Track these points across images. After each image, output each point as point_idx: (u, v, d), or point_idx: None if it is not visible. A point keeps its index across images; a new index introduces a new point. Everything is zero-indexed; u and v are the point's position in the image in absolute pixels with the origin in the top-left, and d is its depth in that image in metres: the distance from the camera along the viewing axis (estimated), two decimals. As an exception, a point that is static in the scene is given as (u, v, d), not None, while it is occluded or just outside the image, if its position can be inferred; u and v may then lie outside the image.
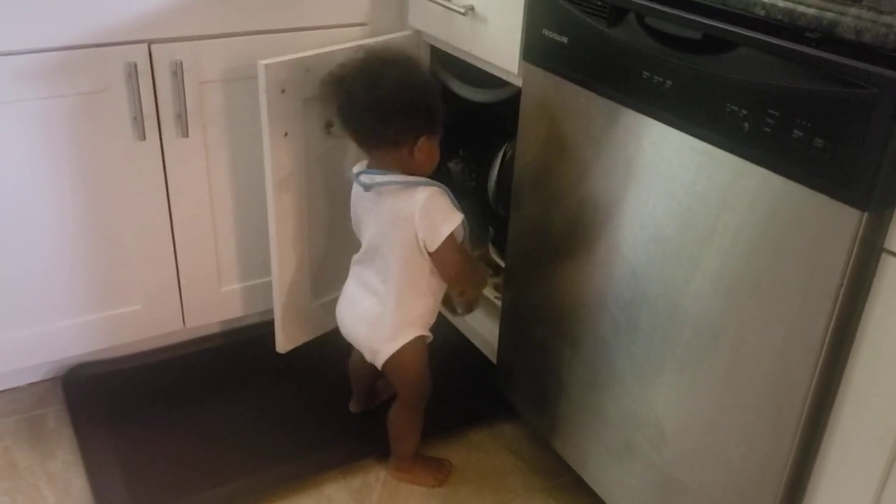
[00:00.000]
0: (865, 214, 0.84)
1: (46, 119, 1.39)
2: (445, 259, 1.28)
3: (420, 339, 1.36)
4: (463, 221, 1.28)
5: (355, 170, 1.33)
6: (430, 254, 1.27)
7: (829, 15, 0.85)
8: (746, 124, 0.93)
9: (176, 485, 1.41)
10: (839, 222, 0.86)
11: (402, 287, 1.32)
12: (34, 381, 1.66)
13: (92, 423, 1.53)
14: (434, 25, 1.53)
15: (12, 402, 1.61)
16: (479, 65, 1.46)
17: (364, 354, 1.40)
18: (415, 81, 1.26)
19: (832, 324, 0.90)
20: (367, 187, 1.29)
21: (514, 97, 1.38)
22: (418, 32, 1.60)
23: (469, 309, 1.46)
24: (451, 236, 1.26)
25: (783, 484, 1.00)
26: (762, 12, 0.91)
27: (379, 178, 1.28)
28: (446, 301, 1.42)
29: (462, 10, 1.40)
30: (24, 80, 1.34)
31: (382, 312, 1.34)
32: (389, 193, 1.28)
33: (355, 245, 1.43)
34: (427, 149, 1.27)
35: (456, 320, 1.75)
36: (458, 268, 1.31)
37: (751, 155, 0.94)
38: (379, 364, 1.37)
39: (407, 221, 1.25)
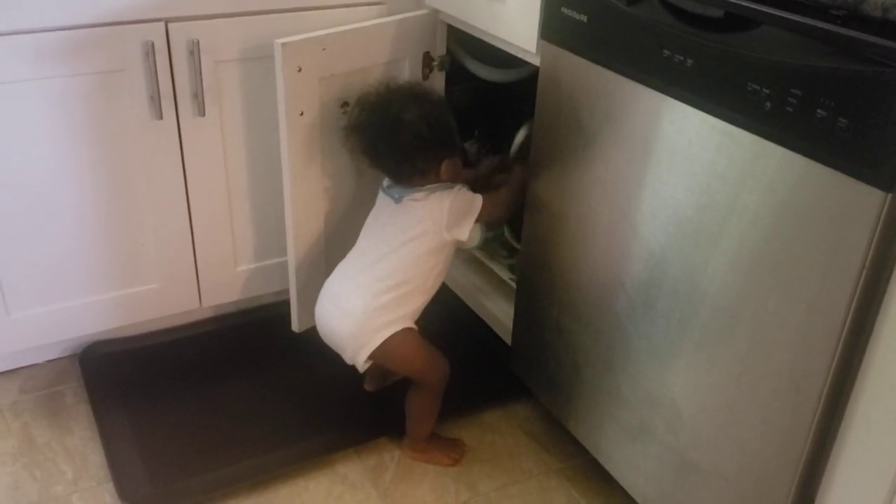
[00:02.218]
0: (889, 195, 0.83)
1: (65, 98, 1.39)
2: (488, 218, 1.45)
3: (405, 329, 1.37)
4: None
5: (385, 182, 1.43)
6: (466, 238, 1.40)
7: (855, -8, 0.84)
8: (768, 103, 0.92)
9: (191, 461, 1.42)
10: (862, 203, 0.85)
11: (410, 284, 1.36)
12: (52, 358, 1.68)
13: (109, 399, 1.55)
14: (451, 4, 1.52)
15: (31, 379, 1.63)
16: (497, 44, 1.45)
17: (344, 354, 1.40)
18: (431, 114, 1.36)
19: (853, 306, 0.89)
20: (398, 199, 1.38)
21: (531, 77, 1.37)
22: (435, 11, 1.58)
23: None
24: (482, 211, 1.40)
25: (800, 466, 0.99)
26: (786, -11, 0.90)
27: (410, 193, 1.37)
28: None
29: (480, -11, 1.39)
30: (43, 59, 1.34)
31: (375, 308, 1.34)
32: (418, 199, 1.37)
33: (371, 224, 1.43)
34: (452, 167, 1.38)
35: (469, 299, 1.75)
36: (503, 211, 1.47)
37: (772, 135, 0.93)
38: (361, 360, 1.37)
39: (436, 222, 1.35)
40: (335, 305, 1.40)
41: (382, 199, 1.43)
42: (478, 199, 1.39)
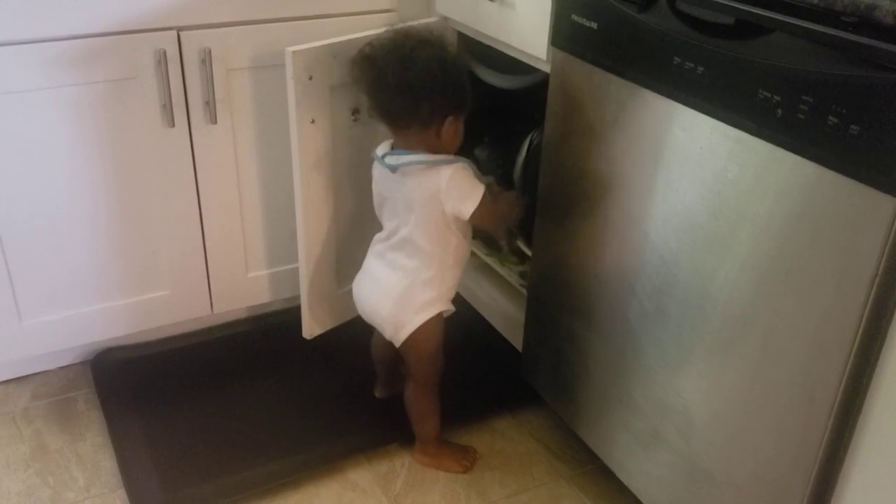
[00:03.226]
0: (901, 202, 0.83)
1: (79, 106, 1.40)
2: (483, 221, 1.34)
3: (441, 315, 1.37)
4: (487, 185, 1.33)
5: (379, 151, 1.35)
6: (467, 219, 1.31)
7: (867, -1, 0.83)
8: (780, 110, 0.92)
9: (203, 467, 1.43)
10: (874, 210, 0.85)
11: (434, 261, 1.34)
12: (64, 364, 1.69)
13: (121, 406, 1.55)
14: (461, 12, 1.53)
15: (43, 386, 1.64)
16: (507, 51, 1.45)
17: (384, 331, 1.40)
18: (446, 60, 1.27)
19: (866, 312, 0.88)
20: (393, 169, 1.30)
21: (541, 83, 1.37)
22: (445, 19, 1.59)
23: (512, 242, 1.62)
24: (483, 203, 1.29)
25: (814, 474, 0.99)
26: (797, -4, 0.90)
27: (405, 158, 1.30)
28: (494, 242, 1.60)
29: (490, -4, 1.40)
30: (57, 67, 1.35)
31: (410, 286, 1.35)
32: (415, 173, 1.30)
33: (381, 229, 1.43)
34: (454, 128, 1.30)
35: (480, 305, 1.75)
36: (494, 221, 1.42)
37: (784, 142, 0.92)
38: (400, 340, 1.37)
39: (433, 198, 1.29)
40: (375, 284, 1.40)
41: (379, 171, 1.36)
42: (479, 188, 1.29)
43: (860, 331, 0.90)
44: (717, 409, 1.11)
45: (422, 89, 1.24)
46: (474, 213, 1.28)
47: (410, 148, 1.30)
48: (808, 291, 0.94)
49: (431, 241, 1.33)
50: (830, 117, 0.86)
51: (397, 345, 1.39)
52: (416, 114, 1.27)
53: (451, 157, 1.30)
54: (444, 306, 1.38)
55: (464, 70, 1.31)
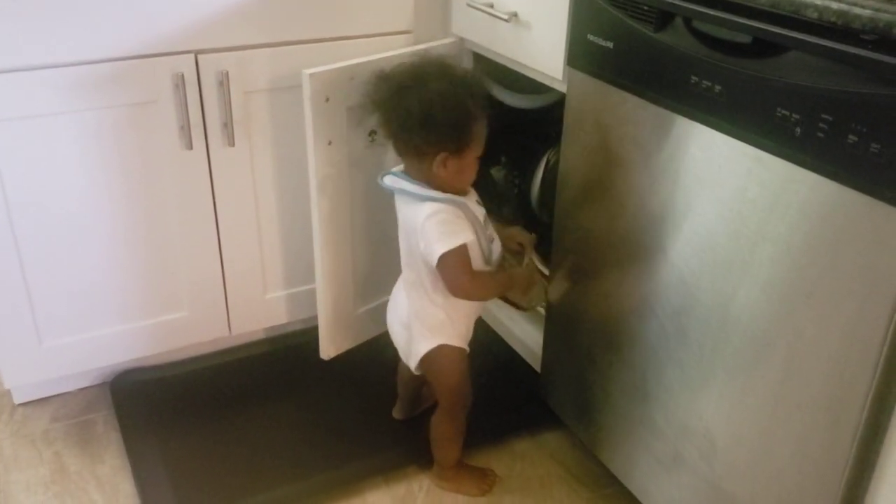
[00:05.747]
0: (925, 221, 0.81)
1: (98, 129, 1.41)
2: (445, 275, 1.26)
3: (450, 347, 1.35)
4: (480, 241, 1.28)
5: (393, 169, 1.33)
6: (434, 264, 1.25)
7: (885, 16, 0.82)
8: (798, 129, 0.91)
9: (221, 490, 1.42)
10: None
11: (418, 294, 1.34)
12: (83, 386, 1.70)
13: (139, 428, 1.55)
14: (477, 32, 1.53)
15: (62, 408, 1.64)
16: (523, 71, 1.45)
17: (402, 355, 1.42)
18: (450, 96, 1.21)
19: (890, 333, 0.87)
20: (388, 190, 1.31)
21: (558, 103, 1.37)
22: (461, 40, 1.59)
23: (528, 307, 1.49)
24: (452, 254, 1.23)
25: (839, 498, 0.97)
26: (815, 15, 0.89)
27: (399, 183, 1.29)
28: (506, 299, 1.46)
29: (505, 17, 1.40)
30: (77, 92, 1.37)
31: (414, 314, 1.35)
32: (405, 202, 1.30)
33: (398, 251, 1.44)
34: (452, 167, 1.24)
35: (499, 328, 1.74)
36: (459, 286, 1.27)
37: (803, 160, 0.92)
38: (413, 366, 1.38)
39: (413, 233, 1.27)
40: (394, 307, 1.42)
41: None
42: (456, 237, 1.23)
43: (884, 351, 0.88)
44: (740, 431, 1.09)
45: (416, 119, 1.21)
46: (439, 264, 1.23)
47: (413, 175, 1.28)
48: (829, 311, 0.93)
49: (418, 273, 1.32)
50: (850, 135, 0.85)
51: (413, 369, 1.39)
52: (410, 141, 1.24)
53: (442, 195, 1.25)
54: (445, 341, 1.34)
55: (469, 113, 1.22)
